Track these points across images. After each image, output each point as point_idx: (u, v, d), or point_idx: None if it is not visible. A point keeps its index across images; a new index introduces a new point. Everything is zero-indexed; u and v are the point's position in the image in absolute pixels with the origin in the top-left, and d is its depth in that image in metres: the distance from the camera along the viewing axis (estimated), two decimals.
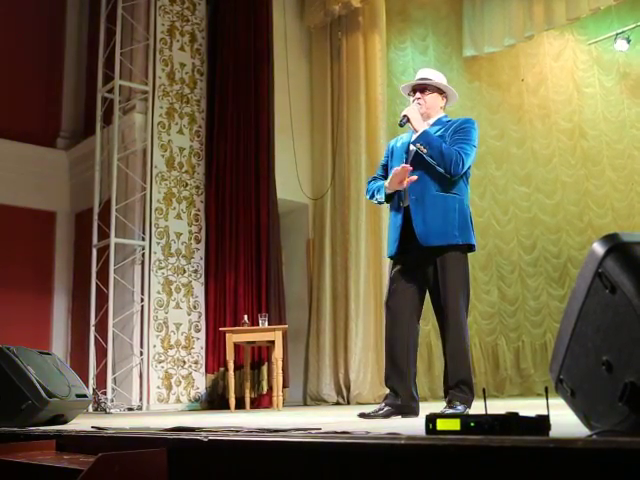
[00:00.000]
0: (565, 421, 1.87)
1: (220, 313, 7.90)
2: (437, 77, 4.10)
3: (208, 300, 8.05)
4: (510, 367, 9.38)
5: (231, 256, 7.91)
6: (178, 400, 7.71)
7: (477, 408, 4.47)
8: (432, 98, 4.04)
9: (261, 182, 7.94)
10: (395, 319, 3.97)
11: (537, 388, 9.13)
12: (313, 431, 2.24)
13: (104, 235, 7.91)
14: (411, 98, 4.10)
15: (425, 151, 3.82)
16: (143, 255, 7.87)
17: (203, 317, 8.05)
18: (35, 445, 2.74)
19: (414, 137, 3.93)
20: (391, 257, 4.03)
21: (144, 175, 8.01)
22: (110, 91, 8.25)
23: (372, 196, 4.12)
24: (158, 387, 7.64)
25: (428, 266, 3.85)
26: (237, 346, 6.99)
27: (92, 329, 7.84)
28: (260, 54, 8.23)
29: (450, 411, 3.53)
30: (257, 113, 8.10)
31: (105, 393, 7.43)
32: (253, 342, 7.05)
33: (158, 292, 7.83)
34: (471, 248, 3.91)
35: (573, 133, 10.37)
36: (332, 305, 8.29)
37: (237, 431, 2.28)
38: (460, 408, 3.60)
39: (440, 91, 4.08)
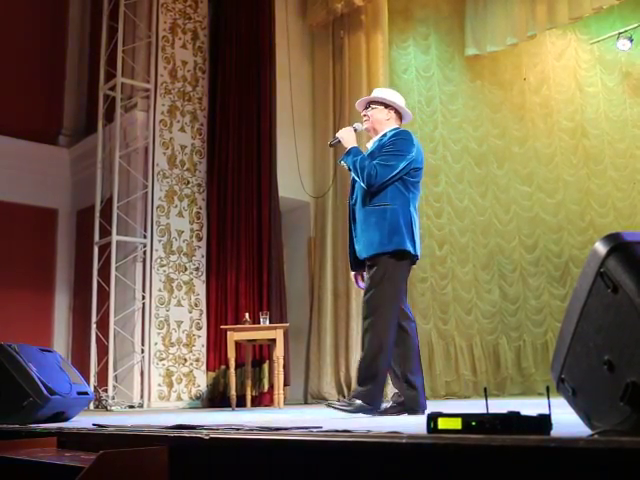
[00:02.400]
0: (566, 420, 1.87)
1: (221, 311, 7.91)
2: (386, 95, 4.36)
3: (209, 298, 8.05)
4: (511, 366, 9.38)
5: (232, 254, 7.91)
6: (179, 398, 7.71)
7: (479, 407, 4.47)
8: (376, 112, 4.29)
9: (262, 180, 7.93)
10: None
11: (538, 387, 9.12)
12: (314, 429, 2.24)
13: (105, 233, 7.91)
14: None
15: (345, 167, 4.19)
16: (144, 253, 7.88)
17: (204, 315, 8.06)
18: (36, 442, 2.75)
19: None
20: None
21: (146, 173, 8.02)
22: (112, 89, 8.26)
23: None
24: (159, 385, 7.65)
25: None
26: (238, 344, 6.99)
27: (93, 326, 7.85)
28: (262, 52, 8.22)
29: (346, 407, 3.80)
30: (259, 111, 8.09)
31: (106, 390, 7.44)
32: (254, 340, 7.05)
33: (159, 290, 7.84)
34: (404, 253, 4.00)
35: (575, 132, 10.36)
36: (333, 303, 8.29)
37: (238, 429, 2.28)
38: (358, 402, 3.80)
39: (385, 105, 4.30)
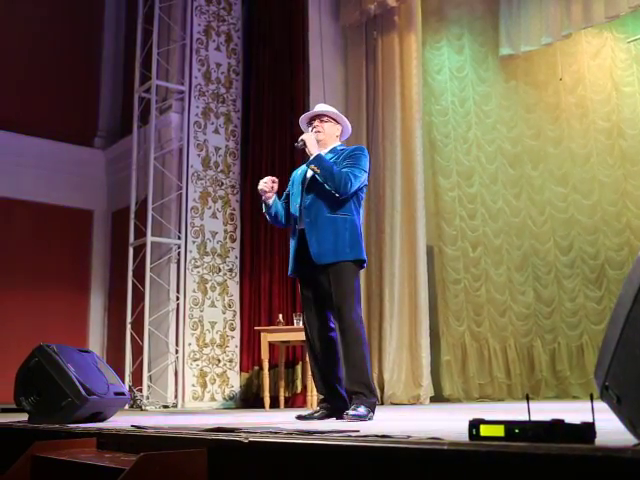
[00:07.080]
0: (609, 428, 1.85)
1: (255, 312, 7.94)
2: (333, 110, 4.50)
3: (243, 299, 8.09)
4: (545, 369, 9.27)
5: (266, 255, 7.94)
6: (213, 398, 7.76)
7: (514, 411, 4.45)
8: (329, 126, 4.43)
9: None
10: (312, 333, 4.27)
11: (573, 390, 9.01)
12: (352, 434, 2.23)
13: (140, 234, 7.99)
14: (309, 128, 4.43)
15: (318, 171, 4.11)
16: (179, 254, 7.94)
17: (238, 316, 8.10)
18: (76, 443, 2.78)
19: (309, 160, 4.21)
20: (291, 275, 4.40)
21: (180, 174, 8.08)
22: (147, 91, 8.34)
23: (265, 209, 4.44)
24: (193, 385, 7.70)
25: (324, 279, 4.13)
26: (272, 345, 7.02)
27: (128, 327, 7.93)
28: (295, 53, 8.25)
29: (352, 413, 3.77)
30: (292, 112, 8.10)
31: (141, 390, 7.51)
32: (288, 341, 7.07)
33: (193, 291, 7.90)
34: (362, 262, 4.20)
35: (611, 132, 10.20)
36: (366, 305, 8.24)
37: (277, 433, 2.29)
38: (363, 411, 3.81)
39: (336, 121, 4.47)
